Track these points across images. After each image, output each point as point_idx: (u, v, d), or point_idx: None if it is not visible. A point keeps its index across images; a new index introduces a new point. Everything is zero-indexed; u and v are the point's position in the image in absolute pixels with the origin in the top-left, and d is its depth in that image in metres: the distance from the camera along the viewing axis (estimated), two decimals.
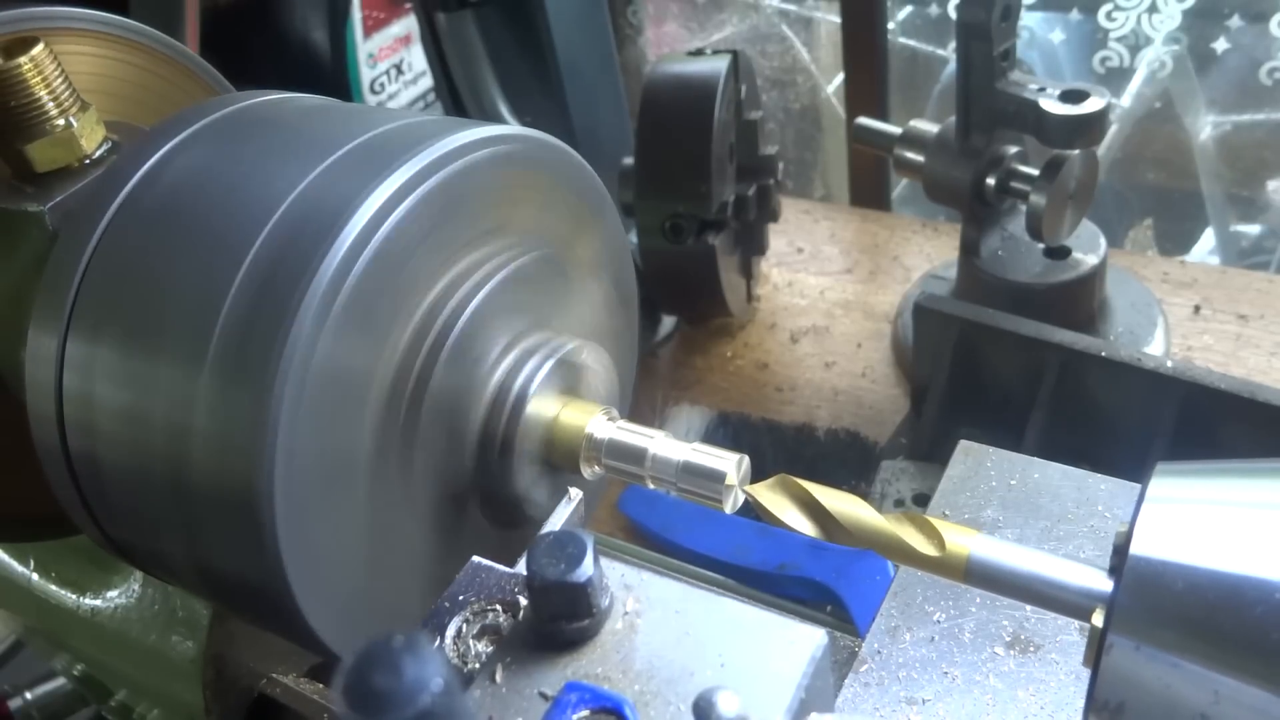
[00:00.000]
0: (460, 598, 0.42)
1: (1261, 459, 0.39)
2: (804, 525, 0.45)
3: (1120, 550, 0.37)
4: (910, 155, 0.99)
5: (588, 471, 0.51)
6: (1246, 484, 0.38)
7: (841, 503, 0.45)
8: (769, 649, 0.38)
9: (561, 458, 0.51)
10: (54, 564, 0.71)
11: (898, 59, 1.60)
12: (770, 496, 0.46)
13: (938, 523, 0.42)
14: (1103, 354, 0.84)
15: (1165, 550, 0.36)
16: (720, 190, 1.00)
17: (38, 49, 0.51)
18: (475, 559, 0.43)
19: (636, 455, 0.50)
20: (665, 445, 0.49)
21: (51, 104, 0.52)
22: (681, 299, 1.13)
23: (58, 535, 0.62)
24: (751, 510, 0.47)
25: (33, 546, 0.71)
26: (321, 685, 0.64)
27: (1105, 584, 0.38)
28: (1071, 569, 0.39)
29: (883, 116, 1.20)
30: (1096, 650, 0.36)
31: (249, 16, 1.32)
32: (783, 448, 1.04)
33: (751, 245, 1.13)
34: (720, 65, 0.99)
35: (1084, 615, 0.38)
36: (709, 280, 1.05)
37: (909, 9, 1.69)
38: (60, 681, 0.89)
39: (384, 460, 0.46)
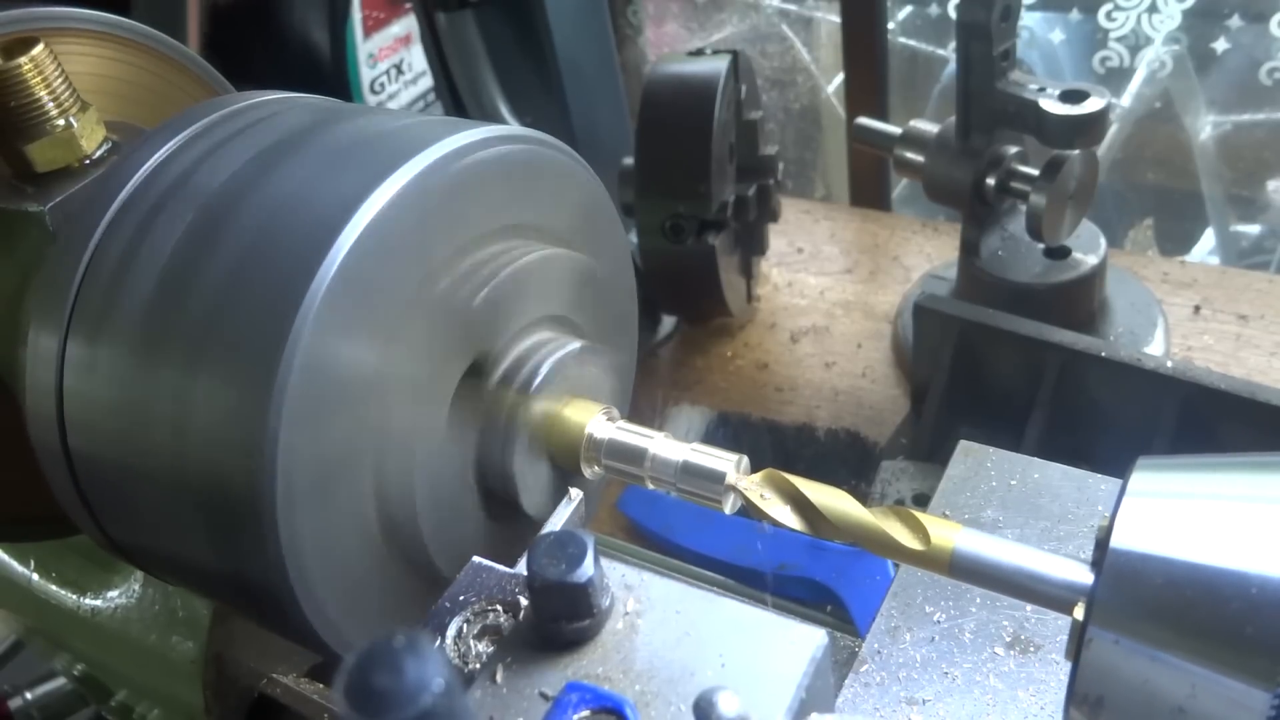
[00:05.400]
0: (461, 598, 0.42)
1: (1241, 454, 0.39)
2: (790, 520, 0.45)
3: (1101, 544, 0.37)
4: (910, 155, 0.99)
5: (588, 471, 0.51)
6: (1226, 478, 0.38)
7: (828, 497, 0.45)
8: (769, 649, 0.38)
9: (562, 457, 0.51)
10: (54, 564, 0.71)
11: (898, 59, 1.61)
12: (757, 491, 0.46)
13: (923, 516, 0.42)
14: (1103, 354, 0.84)
15: (1145, 544, 0.36)
16: (720, 190, 1.01)
17: (38, 49, 0.51)
18: (476, 559, 0.43)
19: (636, 455, 0.50)
20: (665, 446, 0.49)
21: (51, 104, 0.52)
22: (681, 299, 1.13)
23: (58, 535, 0.62)
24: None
25: (33, 546, 0.71)
26: (322, 685, 0.64)
27: (1087, 577, 0.38)
28: (1054, 562, 0.40)
29: (883, 116, 1.20)
30: (1077, 644, 0.36)
31: (249, 16, 1.32)
32: (783, 448, 1.04)
33: (751, 245, 1.13)
34: (720, 65, 0.99)
35: (1066, 608, 0.38)
36: (709, 280, 1.05)
37: (909, 9, 1.69)
38: (60, 681, 0.89)
39: (385, 458, 0.46)
